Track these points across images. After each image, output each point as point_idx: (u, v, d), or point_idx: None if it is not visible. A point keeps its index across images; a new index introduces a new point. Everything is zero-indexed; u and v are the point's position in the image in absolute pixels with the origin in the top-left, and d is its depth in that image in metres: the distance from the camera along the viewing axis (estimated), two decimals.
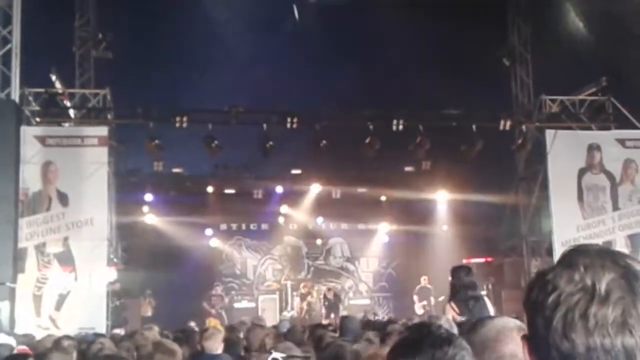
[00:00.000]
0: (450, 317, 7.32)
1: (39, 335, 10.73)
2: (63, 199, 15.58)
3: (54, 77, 16.98)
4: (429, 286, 21.07)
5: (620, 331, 1.37)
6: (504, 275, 19.13)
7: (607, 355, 1.37)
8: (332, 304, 21.68)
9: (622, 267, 1.42)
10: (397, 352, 2.13)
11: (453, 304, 7.66)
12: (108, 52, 18.90)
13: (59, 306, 15.19)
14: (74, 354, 6.48)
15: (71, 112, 17.41)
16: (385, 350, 2.53)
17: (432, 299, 20.83)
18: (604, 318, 1.37)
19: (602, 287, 1.39)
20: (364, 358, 2.50)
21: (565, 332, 1.39)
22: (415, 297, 21.29)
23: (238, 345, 7.76)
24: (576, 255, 1.46)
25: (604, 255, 1.45)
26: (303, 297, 22.04)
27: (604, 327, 1.37)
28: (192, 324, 14.93)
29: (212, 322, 15.73)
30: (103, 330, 13.87)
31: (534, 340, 1.46)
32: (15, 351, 6.99)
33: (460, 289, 7.64)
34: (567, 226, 16.56)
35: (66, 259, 15.40)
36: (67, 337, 7.61)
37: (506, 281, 18.85)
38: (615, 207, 17.24)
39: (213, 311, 21.31)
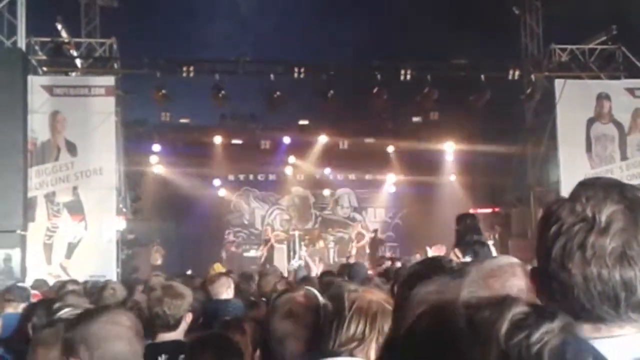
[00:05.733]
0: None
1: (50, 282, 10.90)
2: (71, 148, 15.65)
3: (59, 26, 16.85)
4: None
5: (619, 262, 1.38)
6: (510, 225, 19.16)
7: (604, 286, 1.38)
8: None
9: (629, 199, 1.42)
10: (409, 281, 2.17)
11: (457, 250, 7.68)
12: (114, 0, 18.69)
13: (69, 254, 15.38)
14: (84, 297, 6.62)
15: (78, 62, 17.34)
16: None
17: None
18: (601, 248, 1.38)
19: (603, 218, 1.40)
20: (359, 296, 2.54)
21: (563, 262, 1.40)
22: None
23: (248, 291, 7.86)
24: (582, 188, 1.47)
25: (611, 188, 1.45)
26: (308, 246, 22.09)
27: (602, 258, 1.38)
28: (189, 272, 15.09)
29: (217, 267, 15.92)
30: (114, 278, 14.05)
31: (539, 271, 1.49)
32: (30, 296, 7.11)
33: (466, 233, 7.65)
34: (574, 176, 16.44)
35: (76, 208, 15.54)
36: (73, 281, 7.72)
37: (513, 231, 18.89)
38: (624, 157, 17.20)
39: (224, 255, 21.54)
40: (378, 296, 2.56)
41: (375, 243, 21.37)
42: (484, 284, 2.29)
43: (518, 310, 0.97)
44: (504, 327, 0.94)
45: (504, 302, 0.99)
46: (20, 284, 8.07)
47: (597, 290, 1.39)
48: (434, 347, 0.99)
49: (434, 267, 2.18)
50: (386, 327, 2.43)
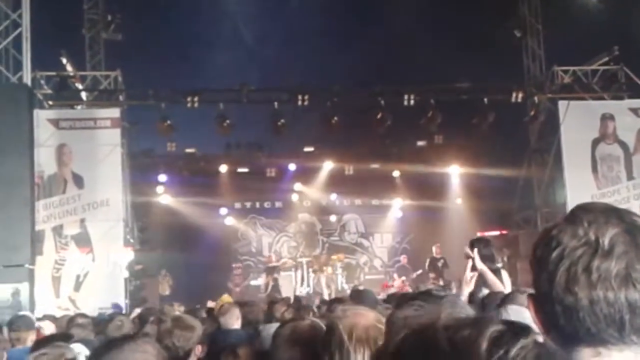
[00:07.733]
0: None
1: (59, 315, 10.86)
2: (78, 181, 15.72)
3: (64, 60, 17.02)
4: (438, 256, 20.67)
5: (624, 284, 1.39)
6: (519, 247, 19.06)
7: (610, 308, 1.39)
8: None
9: (627, 223, 1.44)
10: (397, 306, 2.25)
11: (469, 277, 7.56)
12: (118, 33, 18.91)
13: (77, 287, 15.39)
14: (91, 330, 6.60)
15: (83, 95, 17.50)
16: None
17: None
18: (607, 271, 1.39)
19: (606, 241, 1.41)
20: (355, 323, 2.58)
21: (569, 285, 1.41)
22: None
23: (255, 320, 7.84)
24: (581, 212, 1.48)
25: (609, 212, 1.47)
26: (316, 273, 21.98)
27: (607, 280, 1.39)
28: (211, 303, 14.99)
29: (224, 298, 15.87)
30: (122, 310, 14.01)
31: (539, 296, 1.49)
32: (36, 325, 7.05)
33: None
34: (581, 197, 16.40)
35: (83, 240, 15.57)
36: (82, 315, 7.69)
37: (521, 253, 18.78)
38: (630, 177, 17.16)
39: (238, 289, 21.50)
40: (370, 317, 2.55)
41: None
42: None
43: (494, 328, 1.01)
44: (484, 345, 0.97)
45: (481, 321, 1.02)
46: (21, 313, 7.99)
47: (604, 313, 1.39)
48: None
49: (423, 295, 2.23)
50: None
